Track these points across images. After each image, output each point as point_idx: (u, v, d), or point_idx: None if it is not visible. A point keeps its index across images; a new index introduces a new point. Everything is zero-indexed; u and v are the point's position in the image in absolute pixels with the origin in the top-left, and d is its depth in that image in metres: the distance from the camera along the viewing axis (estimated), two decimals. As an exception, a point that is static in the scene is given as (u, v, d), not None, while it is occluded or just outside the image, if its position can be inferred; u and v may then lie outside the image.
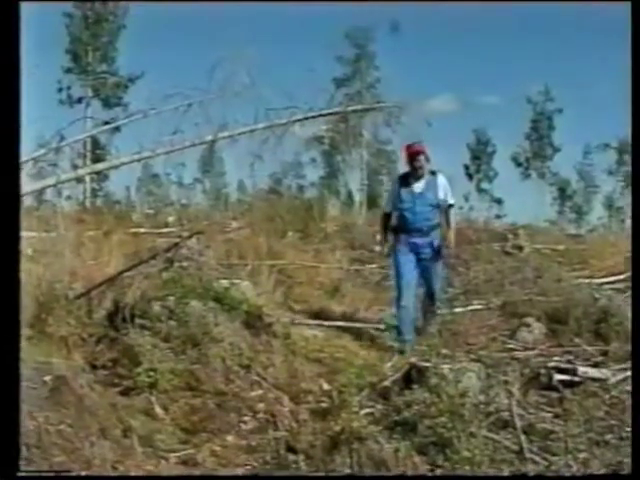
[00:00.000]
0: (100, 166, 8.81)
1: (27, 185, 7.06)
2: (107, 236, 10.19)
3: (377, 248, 8.49)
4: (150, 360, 5.12)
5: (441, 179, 7.89)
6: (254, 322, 6.28)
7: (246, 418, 4.87)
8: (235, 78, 7.58)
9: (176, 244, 6.71)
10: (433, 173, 7.87)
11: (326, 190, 36.24)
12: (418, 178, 7.75)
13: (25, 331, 5.95)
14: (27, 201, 12.77)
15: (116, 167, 7.45)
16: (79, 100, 38.69)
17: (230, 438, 4.61)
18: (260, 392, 5.29)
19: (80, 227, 10.02)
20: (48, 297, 6.36)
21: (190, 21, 62.82)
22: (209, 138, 7.28)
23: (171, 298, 6.00)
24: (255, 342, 5.91)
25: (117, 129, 9.96)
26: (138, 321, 5.74)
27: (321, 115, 7.65)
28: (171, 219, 12.11)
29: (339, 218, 16.86)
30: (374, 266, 11.23)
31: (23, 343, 5.65)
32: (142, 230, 11.86)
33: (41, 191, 8.63)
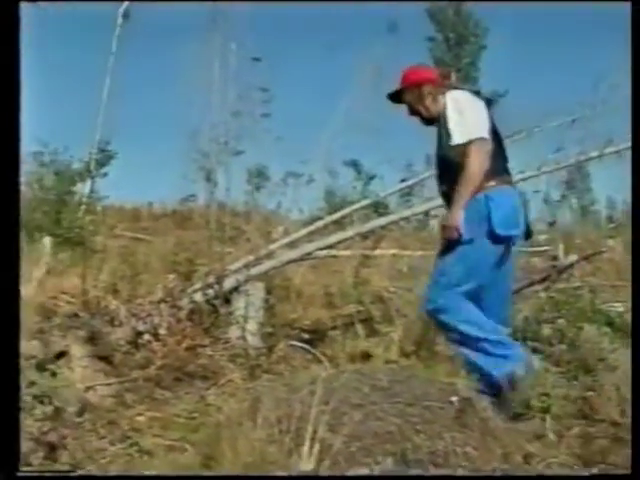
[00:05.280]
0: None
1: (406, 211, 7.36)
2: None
3: None
4: (543, 384, 4.98)
5: (451, 94, 4.69)
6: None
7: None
8: (619, 91, 7.23)
9: (571, 265, 6.46)
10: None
11: None
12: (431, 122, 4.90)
13: (409, 347, 6.15)
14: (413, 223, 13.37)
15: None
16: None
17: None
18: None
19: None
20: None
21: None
22: (594, 154, 7.03)
23: (560, 321, 5.84)
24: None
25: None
26: (529, 343, 5.64)
27: None
28: (543, 237, 11.85)
29: None
30: None
31: (412, 360, 5.86)
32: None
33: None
